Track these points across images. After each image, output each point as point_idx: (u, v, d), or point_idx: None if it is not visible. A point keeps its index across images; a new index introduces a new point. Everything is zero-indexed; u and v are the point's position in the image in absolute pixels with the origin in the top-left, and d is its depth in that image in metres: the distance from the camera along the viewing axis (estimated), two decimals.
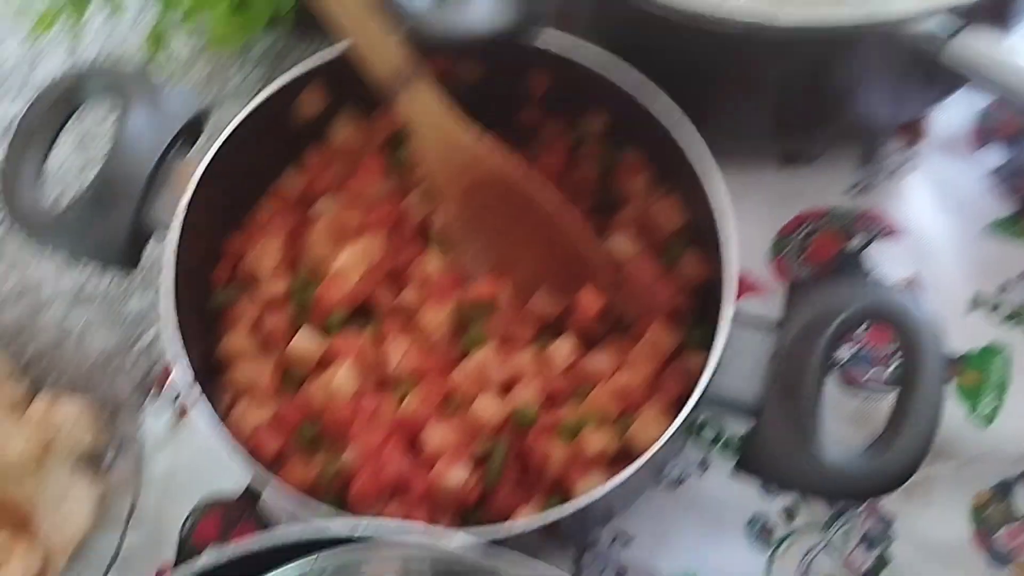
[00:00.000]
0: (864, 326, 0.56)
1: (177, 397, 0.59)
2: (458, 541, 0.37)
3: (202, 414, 0.46)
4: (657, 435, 0.46)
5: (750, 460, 0.45)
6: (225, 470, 0.57)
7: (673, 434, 0.45)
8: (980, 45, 0.47)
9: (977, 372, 0.56)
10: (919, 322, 0.42)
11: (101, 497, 0.53)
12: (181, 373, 0.46)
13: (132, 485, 0.53)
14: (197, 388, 0.47)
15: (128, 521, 0.52)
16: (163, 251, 0.49)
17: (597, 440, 0.48)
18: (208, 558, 0.37)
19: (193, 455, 0.57)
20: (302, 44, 0.70)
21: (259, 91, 0.53)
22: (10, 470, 0.51)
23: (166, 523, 0.56)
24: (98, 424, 0.54)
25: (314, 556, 0.37)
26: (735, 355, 0.46)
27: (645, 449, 0.46)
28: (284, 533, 0.38)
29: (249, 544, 0.37)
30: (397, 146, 0.58)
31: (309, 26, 0.66)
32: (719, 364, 0.45)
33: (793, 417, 0.43)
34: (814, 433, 0.43)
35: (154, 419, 0.58)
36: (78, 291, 0.62)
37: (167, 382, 0.59)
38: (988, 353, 0.56)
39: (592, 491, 0.45)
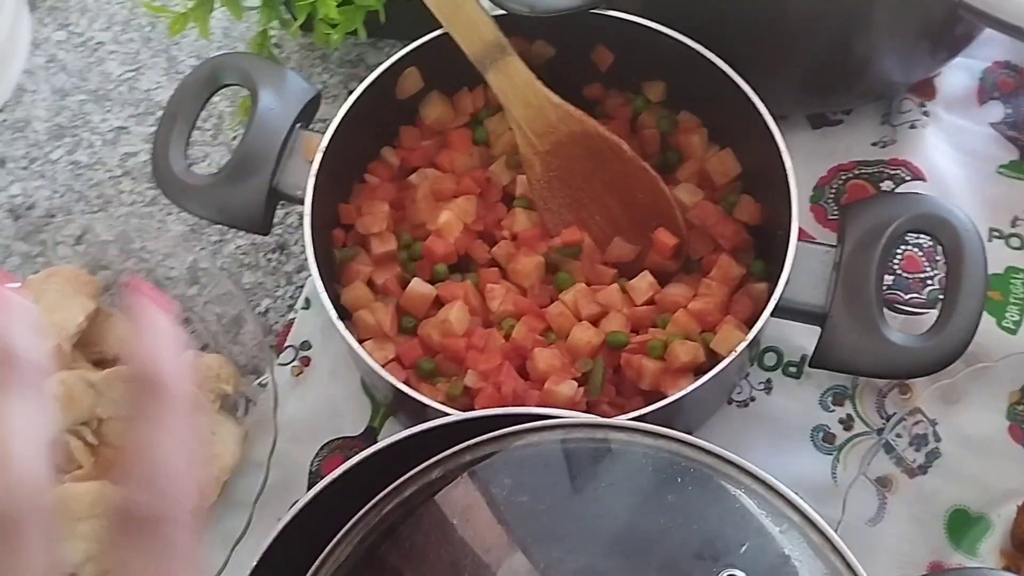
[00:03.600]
0: (899, 256, 0.64)
1: (296, 355, 0.66)
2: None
3: (346, 343, 0.54)
4: (737, 342, 0.54)
5: (824, 355, 0.52)
6: (343, 416, 0.64)
7: (750, 342, 0.53)
8: None
9: (999, 292, 0.64)
10: (961, 223, 0.50)
11: (243, 437, 0.60)
12: (328, 310, 0.54)
13: (271, 425, 0.60)
14: (343, 326, 0.54)
15: (271, 455, 0.59)
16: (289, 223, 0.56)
17: (684, 351, 0.55)
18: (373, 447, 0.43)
19: (314, 405, 0.64)
20: (374, 51, 0.78)
21: (363, 78, 0.61)
22: None
23: (295, 465, 0.63)
24: (236, 375, 0.61)
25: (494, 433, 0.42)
26: (802, 268, 0.54)
27: (728, 355, 0.53)
28: (439, 419, 0.44)
29: (411, 430, 0.44)
30: (479, 124, 0.66)
31: (381, 34, 0.75)
32: (790, 275, 0.53)
33: (860, 312, 0.51)
34: (879, 324, 0.51)
35: (277, 374, 0.65)
36: (194, 271, 0.69)
37: (285, 341, 0.66)
38: (1008, 275, 0.65)
39: (681, 390, 0.52)
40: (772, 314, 0.53)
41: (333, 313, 0.54)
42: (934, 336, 0.50)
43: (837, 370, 0.53)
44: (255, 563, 0.44)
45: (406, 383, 0.57)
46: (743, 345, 0.52)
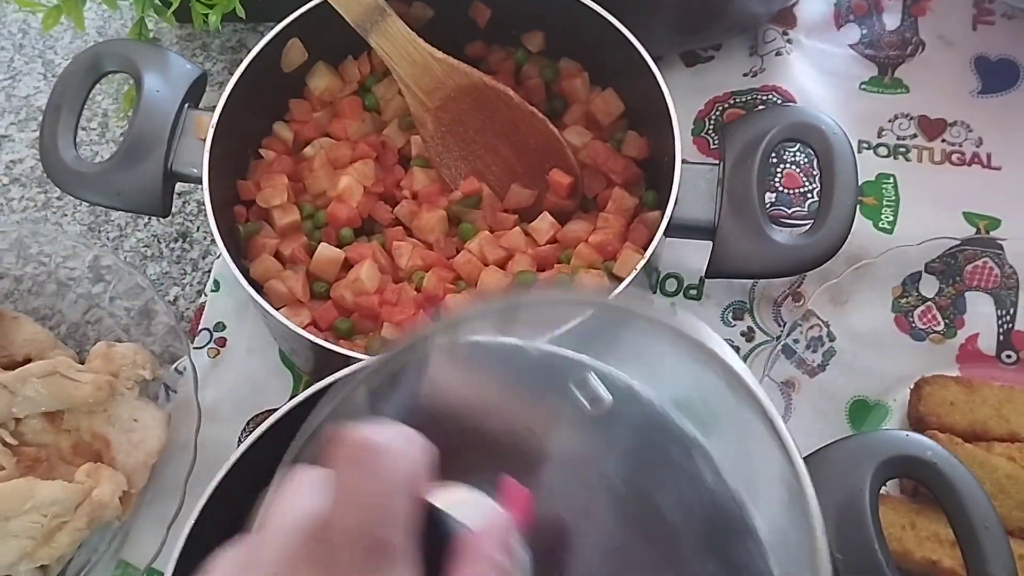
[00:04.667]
0: (779, 175, 0.68)
1: (211, 337, 0.66)
2: None
3: (265, 314, 0.54)
4: (636, 263, 0.56)
5: (718, 265, 0.55)
6: (265, 391, 0.65)
7: (648, 260, 0.56)
8: None
9: (874, 197, 0.69)
10: (828, 126, 0.54)
11: (167, 421, 0.60)
12: (239, 280, 0.54)
13: (194, 408, 0.60)
14: (257, 295, 0.55)
15: (197, 435, 0.59)
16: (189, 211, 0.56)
17: (590, 279, 0.58)
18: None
19: (235, 383, 0.65)
20: (255, 35, 0.79)
21: (247, 53, 0.61)
22: (83, 407, 0.58)
23: (223, 443, 0.63)
24: (153, 360, 0.61)
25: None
26: (689, 187, 0.57)
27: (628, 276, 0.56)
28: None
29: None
30: (368, 91, 0.67)
31: (261, 17, 0.75)
32: (678, 195, 0.56)
33: (746, 220, 0.54)
34: (764, 229, 0.54)
35: (195, 358, 0.65)
36: (96, 269, 0.68)
37: (199, 325, 0.66)
38: (879, 181, 0.69)
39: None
40: (666, 233, 0.56)
41: (245, 283, 0.55)
42: (815, 231, 0.54)
43: (731, 276, 0.57)
44: (188, 528, 0.45)
45: None
46: (642, 263, 0.55)
